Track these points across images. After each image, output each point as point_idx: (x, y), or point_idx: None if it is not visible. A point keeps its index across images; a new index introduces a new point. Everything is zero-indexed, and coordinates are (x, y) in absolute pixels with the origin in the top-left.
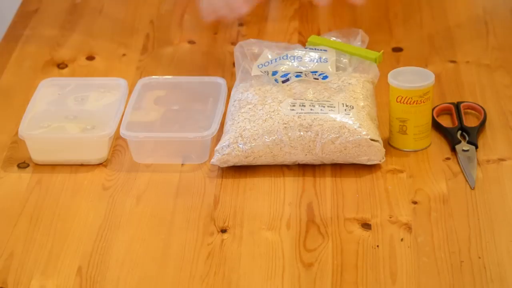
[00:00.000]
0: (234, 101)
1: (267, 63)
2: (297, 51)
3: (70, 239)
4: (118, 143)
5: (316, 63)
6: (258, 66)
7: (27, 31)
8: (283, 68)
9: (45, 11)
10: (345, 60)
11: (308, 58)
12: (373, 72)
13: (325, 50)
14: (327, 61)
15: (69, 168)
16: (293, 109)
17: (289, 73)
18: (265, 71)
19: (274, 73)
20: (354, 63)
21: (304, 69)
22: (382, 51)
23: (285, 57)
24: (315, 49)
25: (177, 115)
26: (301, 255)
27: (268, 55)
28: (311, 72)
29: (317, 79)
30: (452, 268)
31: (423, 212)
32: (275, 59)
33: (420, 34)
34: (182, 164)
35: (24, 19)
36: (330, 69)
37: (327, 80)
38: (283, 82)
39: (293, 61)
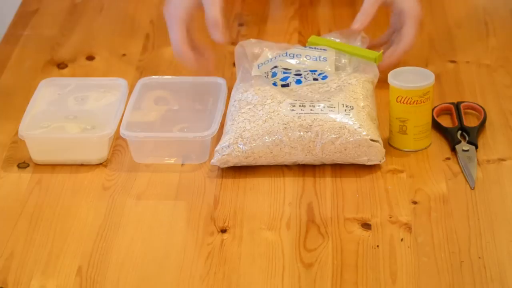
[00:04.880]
0: (234, 101)
1: (267, 61)
2: (296, 49)
3: (70, 239)
4: (118, 143)
5: (315, 61)
6: (258, 66)
7: (27, 31)
8: (282, 64)
9: (45, 11)
10: (344, 60)
11: (307, 56)
12: (373, 72)
13: (325, 50)
14: (326, 60)
15: (69, 168)
16: (293, 110)
17: (288, 77)
18: (264, 72)
19: (274, 74)
20: (354, 63)
21: (303, 66)
22: (382, 51)
23: (284, 55)
24: (315, 48)
25: (177, 115)
26: (301, 255)
27: (268, 54)
28: (310, 71)
29: (317, 79)
30: (452, 268)
31: (423, 212)
32: (275, 57)
33: (420, 34)
34: (182, 164)
35: (24, 19)
36: (329, 69)
37: (327, 80)
38: (282, 86)
39: (292, 58)
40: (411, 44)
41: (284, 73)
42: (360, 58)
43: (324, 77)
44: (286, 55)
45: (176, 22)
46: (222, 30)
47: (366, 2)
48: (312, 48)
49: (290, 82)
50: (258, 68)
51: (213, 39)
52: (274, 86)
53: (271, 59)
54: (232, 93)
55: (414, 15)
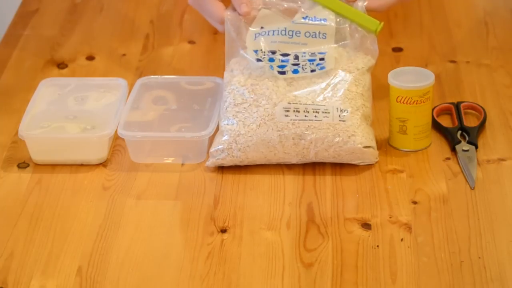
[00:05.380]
0: (229, 94)
1: (265, 33)
2: (296, 24)
3: (70, 239)
4: (118, 143)
5: (315, 38)
6: (255, 34)
7: (27, 31)
8: (280, 47)
9: (45, 11)
10: (345, 27)
11: (306, 33)
12: (373, 51)
13: (325, 20)
14: (325, 37)
15: (69, 168)
16: (287, 115)
17: (286, 65)
18: (261, 51)
19: (271, 59)
20: (354, 37)
21: (301, 48)
22: (383, 23)
23: (283, 32)
24: (315, 18)
25: (176, 115)
26: (301, 255)
27: (266, 12)
28: (309, 60)
29: (315, 70)
30: (452, 268)
31: (423, 212)
32: (273, 30)
33: (420, 34)
34: (182, 164)
35: (24, 19)
36: (328, 64)
37: (324, 71)
38: (279, 73)
39: (291, 37)
40: (384, 7)
41: (283, 61)
42: (360, 30)
43: (322, 68)
44: (285, 33)
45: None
46: (247, 1)
47: None
48: (312, 19)
49: (287, 71)
50: (255, 38)
51: (240, 13)
52: (269, 81)
53: (267, 31)
54: (226, 79)
55: None
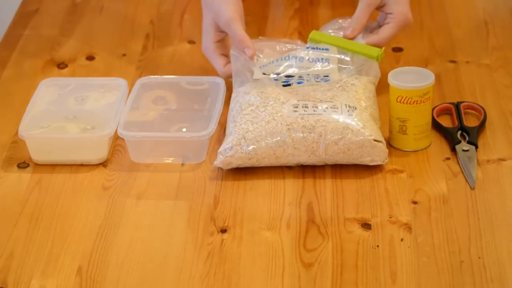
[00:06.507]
0: (235, 104)
1: (270, 63)
2: (299, 51)
3: (70, 239)
4: (118, 143)
5: (319, 63)
6: (260, 67)
7: (27, 31)
8: (285, 70)
9: (45, 11)
10: (347, 59)
11: (309, 59)
12: (374, 73)
13: (327, 49)
14: (328, 63)
15: (69, 168)
16: (296, 111)
17: (289, 81)
18: (268, 73)
19: (276, 80)
20: (356, 62)
21: (305, 71)
22: (384, 48)
23: (287, 58)
24: (317, 48)
25: (175, 115)
26: (301, 255)
27: (270, 55)
28: (314, 76)
29: (319, 82)
30: (452, 268)
31: (423, 212)
32: (276, 59)
33: (420, 34)
34: (182, 164)
35: (24, 19)
36: (333, 76)
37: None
38: (284, 86)
39: (295, 61)
40: (382, 42)
41: (286, 81)
42: (362, 57)
43: (327, 80)
44: (289, 59)
45: (211, 55)
46: (250, 45)
47: (359, 9)
48: (314, 49)
49: (292, 83)
50: (260, 68)
51: (248, 56)
52: (276, 87)
53: (273, 61)
54: (233, 96)
55: (401, 21)
